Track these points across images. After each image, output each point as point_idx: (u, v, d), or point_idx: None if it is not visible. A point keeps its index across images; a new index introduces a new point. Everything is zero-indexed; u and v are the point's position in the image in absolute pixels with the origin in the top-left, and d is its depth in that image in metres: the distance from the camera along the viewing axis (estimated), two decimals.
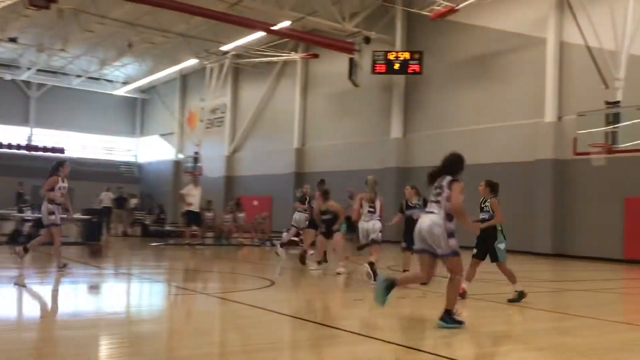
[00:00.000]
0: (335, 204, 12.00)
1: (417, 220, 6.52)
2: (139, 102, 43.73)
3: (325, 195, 11.79)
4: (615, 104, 14.82)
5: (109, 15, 25.79)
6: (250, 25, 22.71)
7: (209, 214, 19.50)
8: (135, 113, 43.97)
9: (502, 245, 8.25)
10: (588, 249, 17.28)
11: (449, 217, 6.10)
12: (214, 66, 30.34)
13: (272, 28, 22.63)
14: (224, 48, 27.72)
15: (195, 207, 17.91)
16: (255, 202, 28.68)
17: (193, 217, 17.96)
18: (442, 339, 5.93)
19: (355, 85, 23.65)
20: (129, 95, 41.87)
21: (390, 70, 22.54)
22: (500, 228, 8.30)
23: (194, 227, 18.19)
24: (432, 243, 6.14)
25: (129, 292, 9.24)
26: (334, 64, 25.81)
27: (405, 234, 10.26)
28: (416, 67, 22.26)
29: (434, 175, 6.36)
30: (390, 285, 6.18)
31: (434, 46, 22.57)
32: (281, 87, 30.64)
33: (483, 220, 8.27)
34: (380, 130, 24.49)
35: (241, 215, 20.33)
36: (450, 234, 6.07)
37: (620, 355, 5.56)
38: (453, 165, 6.37)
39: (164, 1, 20.48)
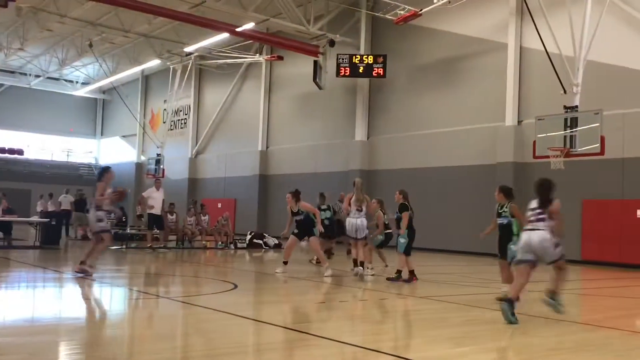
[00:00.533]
0: (307, 205, 12.19)
1: None
2: (99, 102, 43.01)
3: (297, 196, 11.90)
4: (573, 108, 15.15)
5: (69, 15, 25.34)
6: (214, 26, 22.51)
7: (171, 217, 19.26)
8: (95, 114, 43.25)
9: (514, 247, 8.56)
10: None
11: (552, 231, 7.04)
12: (178, 67, 30.03)
13: (237, 30, 22.50)
14: (188, 49, 27.41)
15: (157, 210, 17.70)
16: (219, 205, 28.49)
17: (155, 221, 17.73)
18: (402, 341, 5.96)
19: (320, 87, 23.69)
20: (89, 95, 41.18)
21: (354, 73, 22.65)
22: (515, 232, 8.76)
23: (156, 230, 17.96)
24: (542, 254, 7.02)
25: (89, 297, 9.06)
26: (299, 67, 25.81)
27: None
28: (380, 71, 22.41)
29: (543, 198, 7.18)
30: (510, 305, 6.84)
31: (397, 50, 22.77)
32: (245, 89, 30.50)
33: (501, 225, 9.12)
34: (344, 132, 24.58)
35: (204, 218, 20.13)
36: (556, 245, 7.05)
37: (577, 356, 5.69)
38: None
39: (125, 1, 20.17)
